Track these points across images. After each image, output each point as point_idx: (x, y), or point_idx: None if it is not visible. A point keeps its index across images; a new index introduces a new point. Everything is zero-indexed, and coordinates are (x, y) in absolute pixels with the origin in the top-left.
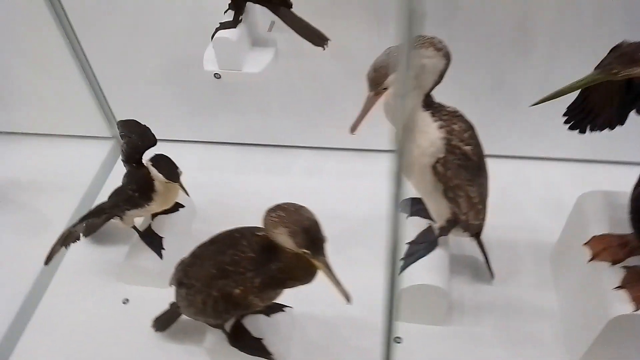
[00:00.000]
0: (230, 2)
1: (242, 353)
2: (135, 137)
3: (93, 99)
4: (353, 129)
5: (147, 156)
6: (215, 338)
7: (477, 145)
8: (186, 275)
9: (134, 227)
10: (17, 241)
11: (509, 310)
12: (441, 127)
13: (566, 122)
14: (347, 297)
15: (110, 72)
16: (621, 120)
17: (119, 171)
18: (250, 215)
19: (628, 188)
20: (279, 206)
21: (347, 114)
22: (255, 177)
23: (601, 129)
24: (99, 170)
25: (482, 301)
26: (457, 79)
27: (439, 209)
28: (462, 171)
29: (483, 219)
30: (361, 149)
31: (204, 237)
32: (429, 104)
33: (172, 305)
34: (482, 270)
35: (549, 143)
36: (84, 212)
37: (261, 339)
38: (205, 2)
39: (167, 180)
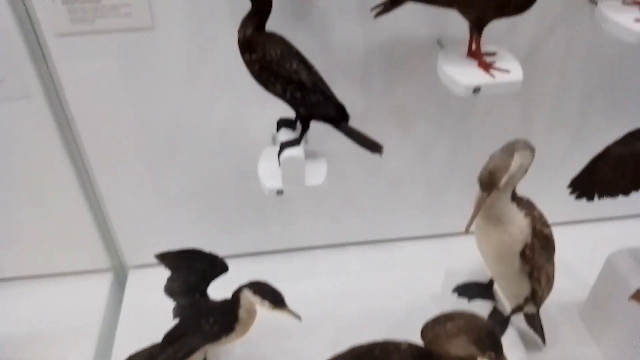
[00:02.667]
0: (278, 120)
1: None
2: (202, 267)
3: (93, 226)
4: (467, 228)
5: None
6: None
7: (550, 227)
8: None
9: None
10: None
11: None
12: (526, 215)
13: (572, 192)
14: None
15: (119, 196)
16: (637, 187)
17: (130, 307)
18: (291, 326)
19: None
20: (449, 316)
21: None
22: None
23: (613, 196)
24: (105, 310)
25: None
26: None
27: (520, 290)
28: (544, 252)
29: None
30: (380, 240)
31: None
32: (513, 196)
33: None
34: (528, 336)
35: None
36: None
37: None
38: (234, 124)
39: (274, 308)
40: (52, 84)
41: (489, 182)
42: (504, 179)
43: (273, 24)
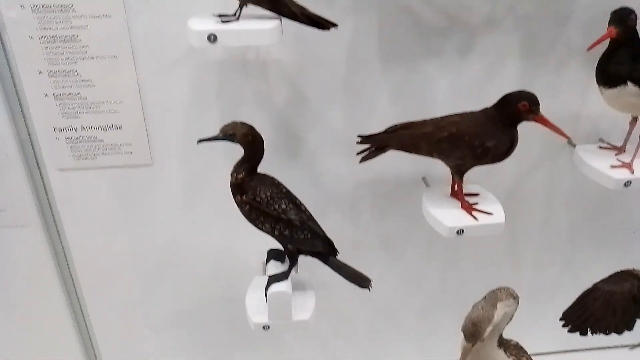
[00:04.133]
0: (268, 251)
1: None
2: None
3: (81, 352)
4: None
5: None
6: None
7: None
8: None
9: None
10: None
11: None
12: None
13: (564, 325)
14: None
15: (108, 322)
16: (629, 327)
17: None
18: None
19: None
20: None
21: None
22: None
23: (607, 333)
24: None
25: None
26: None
27: None
28: None
29: None
30: None
31: None
32: (500, 341)
33: None
34: None
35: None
36: None
37: None
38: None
39: None
40: (51, 214)
41: (473, 333)
42: (488, 329)
43: (266, 160)
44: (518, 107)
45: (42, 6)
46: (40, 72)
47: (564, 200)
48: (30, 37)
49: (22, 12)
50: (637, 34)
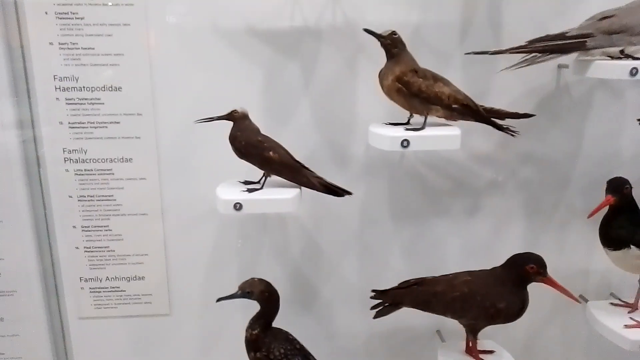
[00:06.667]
0: None
1: None
2: None
3: None
4: None
5: None
6: None
7: None
8: None
9: None
10: None
11: None
12: None
13: None
14: None
15: None
16: None
17: None
18: None
19: None
20: None
21: None
22: None
23: None
24: None
25: None
26: None
27: None
28: None
29: None
30: None
31: None
32: None
33: None
34: None
35: None
36: None
37: None
38: None
39: None
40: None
41: None
42: None
43: (282, 312)
44: (526, 269)
45: (85, 170)
46: (74, 226)
47: (579, 356)
48: (70, 196)
49: (65, 175)
50: (634, 200)
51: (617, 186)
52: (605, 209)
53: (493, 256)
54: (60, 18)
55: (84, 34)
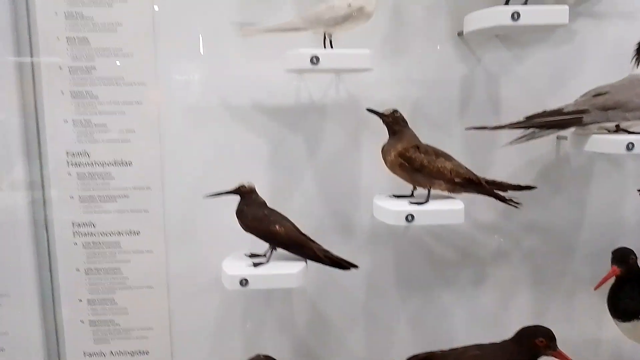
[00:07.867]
0: None
1: None
2: None
3: None
4: None
5: None
6: None
7: None
8: None
9: None
10: None
11: None
12: None
13: None
14: None
15: None
16: None
17: None
18: None
19: None
20: None
21: None
22: None
23: None
24: None
25: None
26: None
27: None
28: None
29: None
30: None
31: None
32: None
33: None
34: None
35: None
36: None
37: None
38: None
39: None
40: None
41: None
42: None
43: None
44: (536, 343)
45: (93, 243)
46: (80, 300)
47: None
48: (77, 270)
49: (74, 248)
50: None
51: (623, 257)
52: (612, 279)
53: (501, 326)
54: (75, 97)
55: (98, 112)
